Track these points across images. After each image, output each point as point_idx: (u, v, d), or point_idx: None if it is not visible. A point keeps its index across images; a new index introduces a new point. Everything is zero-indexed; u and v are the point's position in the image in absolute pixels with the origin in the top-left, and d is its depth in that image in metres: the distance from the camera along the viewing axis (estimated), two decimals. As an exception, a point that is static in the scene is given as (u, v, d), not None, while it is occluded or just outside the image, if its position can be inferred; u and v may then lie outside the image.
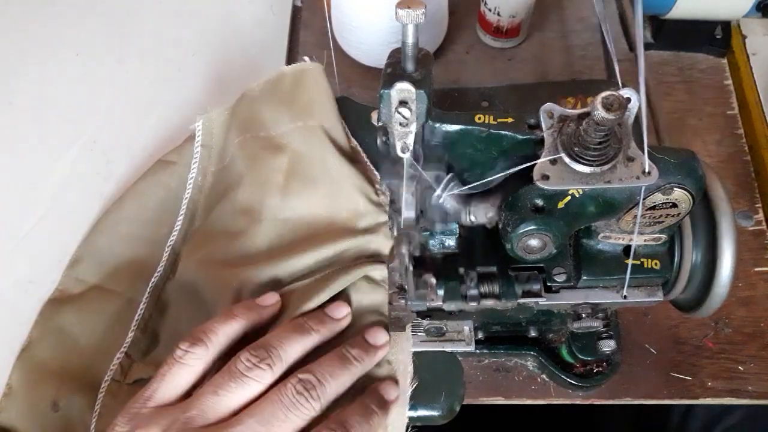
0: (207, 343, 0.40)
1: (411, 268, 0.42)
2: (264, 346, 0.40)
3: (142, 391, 0.40)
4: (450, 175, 0.41)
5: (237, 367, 0.39)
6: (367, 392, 0.42)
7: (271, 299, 0.44)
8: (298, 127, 0.50)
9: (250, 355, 0.39)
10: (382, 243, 0.46)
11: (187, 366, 0.40)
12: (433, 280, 0.43)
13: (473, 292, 0.43)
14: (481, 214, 0.42)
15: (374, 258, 0.46)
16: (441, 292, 0.43)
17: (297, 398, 0.38)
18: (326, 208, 0.48)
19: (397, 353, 0.47)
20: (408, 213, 0.40)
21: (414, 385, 0.45)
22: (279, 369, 0.40)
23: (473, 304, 0.43)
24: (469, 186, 0.41)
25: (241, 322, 0.42)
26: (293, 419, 0.38)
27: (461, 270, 0.43)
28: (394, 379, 0.44)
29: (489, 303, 0.43)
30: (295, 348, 0.41)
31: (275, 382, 0.39)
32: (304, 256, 0.46)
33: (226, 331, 0.41)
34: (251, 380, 0.39)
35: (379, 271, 0.46)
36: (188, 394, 0.40)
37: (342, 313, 0.44)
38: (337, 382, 0.40)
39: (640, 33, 0.33)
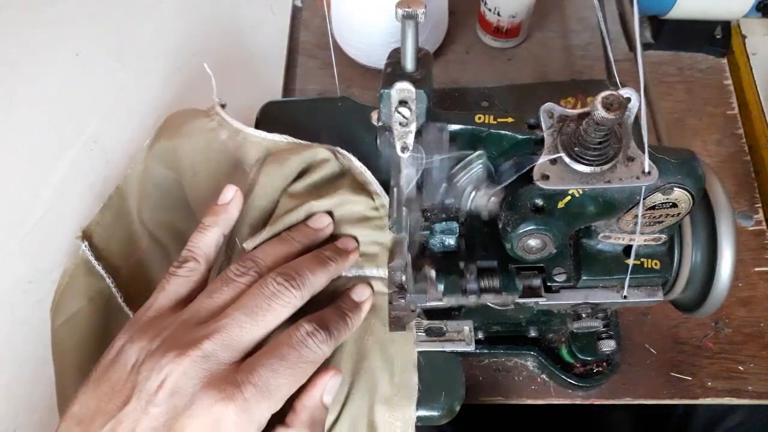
0: (196, 257, 0.45)
1: (410, 260, 0.42)
2: (250, 257, 0.44)
3: (143, 306, 0.43)
4: (470, 156, 0.41)
5: (227, 275, 0.43)
6: (340, 297, 0.46)
7: (228, 194, 0.47)
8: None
9: (239, 265, 0.43)
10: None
11: (182, 277, 0.44)
12: (433, 273, 0.43)
13: (473, 286, 0.43)
14: (482, 206, 0.42)
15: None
16: (441, 287, 0.43)
17: (278, 288, 0.41)
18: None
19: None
20: (408, 200, 0.39)
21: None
22: (265, 272, 0.43)
23: (473, 298, 0.43)
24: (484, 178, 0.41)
25: (214, 229, 0.46)
26: (276, 308, 0.41)
27: (461, 264, 0.43)
28: (365, 282, 0.48)
29: (489, 297, 0.43)
30: (278, 255, 0.45)
31: None
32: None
33: (206, 242, 0.45)
34: (240, 283, 0.42)
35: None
36: (186, 304, 0.43)
37: (323, 222, 0.48)
38: (314, 276, 0.43)
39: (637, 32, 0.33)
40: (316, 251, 0.46)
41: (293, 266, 0.43)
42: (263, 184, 0.50)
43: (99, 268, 0.53)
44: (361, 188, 0.50)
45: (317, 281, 0.44)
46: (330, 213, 0.48)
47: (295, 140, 0.53)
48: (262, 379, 0.38)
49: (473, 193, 0.42)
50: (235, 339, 0.39)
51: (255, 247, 0.46)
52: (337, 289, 0.48)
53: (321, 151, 0.52)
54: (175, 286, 0.43)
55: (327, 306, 0.45)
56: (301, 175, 0.51)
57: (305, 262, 0.44)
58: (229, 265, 0.45)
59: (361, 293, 0.47)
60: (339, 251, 0.47)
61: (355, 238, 0.49)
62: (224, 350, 0.38)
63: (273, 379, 0.38)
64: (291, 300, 0.41)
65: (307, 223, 0.47)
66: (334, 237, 0.49)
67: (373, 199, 0.49)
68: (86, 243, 0.54)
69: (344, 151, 0.52)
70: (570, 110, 0.38)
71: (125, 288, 0.53)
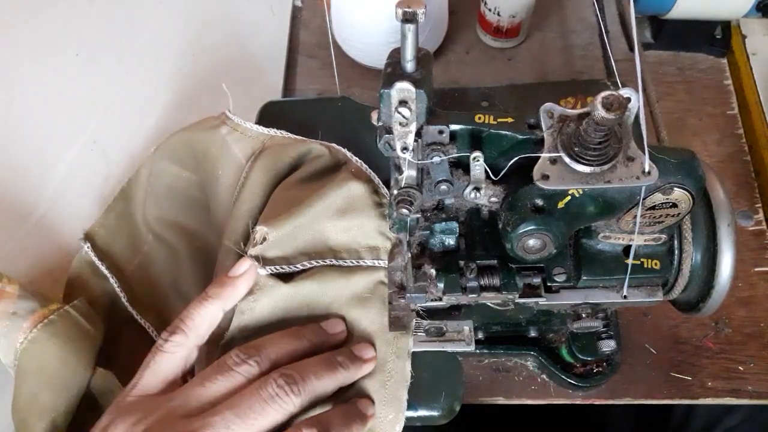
0: (185, 330, 0.41)
1: (409, 256, 0.42)
2: (254, 346, 0.41)
3: (129, 383, 0.41)
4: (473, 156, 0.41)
5: (226, 362, 0.39)
6: (347, 404, 0.43)
7: (242, 267, 0.44)
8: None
9: (240, 352, 0.40)
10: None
11: (167, 354, 0.41)
12: (433, 271, 0.43)
13: (473, 284, 0.42)
14: (484, 196, 0.41)
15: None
16: (441, 285, 0.43)
17: (277, 391, 0.38)
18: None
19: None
20: (407, 209, 0.39)
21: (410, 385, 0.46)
22: (266, 366, 0.40)
23: (473, 296, 0.43)
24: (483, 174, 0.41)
25: (215, 302, 0.42)
26: (270, 413, 0.37)
27: (461, 263, 0.43)
28: (370, 399, 0.44)
29: (489, 295, 0.43)
30: (284, 349, 0.41)
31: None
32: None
33: (203, 314, 0.42)
34: (237, 374, 0.39)
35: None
36: (175, 383, 0.40)
37: (337, 328, 0.45)
38: (320, 382, 0.40)
39: (633, 33, 0.33)
40: (328, 354, 0.42)
41: (299, 368, 0.40)
42: (254, 181, 0.50)
43: (103, 268, 0.53)
44: (361, 176, 0.50)
45: (321, 387, 0.40)
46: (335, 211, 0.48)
47: (291, 135, 0.53)
48: None
49: (473, 193, 0.42)
50: None
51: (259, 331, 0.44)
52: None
53: (315, 147, 0.52)
54: (160, 364, 0.40)
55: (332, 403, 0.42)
56: (294, 169, 0.52)
57: (313, 365, 0.41)
58: None
59: (366, 407, 0.43)
60: (353, 358, 0.43)
61: (358, 252, 0.48)
62: None
63: None
64: (288, 406, 0.38)
65: (321, 324, 0.44)
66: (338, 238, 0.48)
67: (375, 188, 0.49)
68: (88, 244, 0.54)
69: (339, 147, 0.53)
70: (570, 110, 0.38)
71: (129, 287, 0.53)
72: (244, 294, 0.44)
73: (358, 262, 0.48)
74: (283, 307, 0.46)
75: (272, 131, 0.54)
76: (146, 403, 0.39)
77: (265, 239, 0.46)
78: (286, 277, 0.47)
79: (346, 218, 0.48)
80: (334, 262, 0.48)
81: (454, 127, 0.40)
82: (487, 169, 0.39)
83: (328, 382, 0.41)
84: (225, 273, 0.44)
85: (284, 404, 0.38)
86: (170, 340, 0.41)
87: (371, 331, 0.47)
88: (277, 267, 0.46)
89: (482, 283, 0.43)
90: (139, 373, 0.41)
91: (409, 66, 0.37)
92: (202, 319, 0.42)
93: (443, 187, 0.41)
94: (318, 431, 0.38)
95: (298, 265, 0.47)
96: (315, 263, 0.48)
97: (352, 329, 0.47)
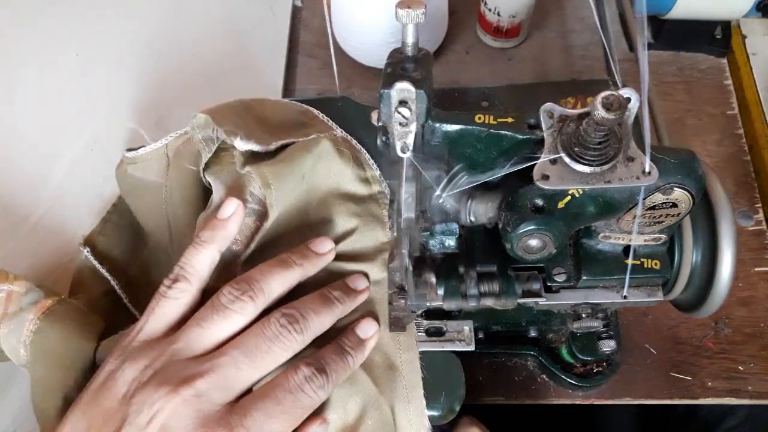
0: (188, 277, 0.42)
1: (411, 268, 0.42)
2: (246, 280, 0.41)
3: (133, 326, 0.41)
4: (454, 170, 0.41)
5: (220, 300, 0.40)
6: (343, 332, 0.43)
7: (230, 208, 0.44)
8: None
9: (232, 288, 0.40)
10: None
11: (172, 299, 0.41)
12: (433, 279, 0.43)
13: (473, 291, 0.43)
14: (481, 214, 0.42)
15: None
16: (441, 292, 0.43)
17: (280, 330, 0.39)
18: None
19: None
20: (408, 213, 0.40)
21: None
22: (261, 302, 0.41)
23: (473, 303, 0.43)
24: (471, 182, 0.41)
25: (211, 246, 0.43)
26: (276, 351, 0.39)
27: (461, 269, 0.43)
28: (372, 317, 0.45)
29: (489, 302, 0.43)
30: (277, 281, 0.42)
31: (259, 316, 0.40)
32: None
33: (202, 260, 0.42)
34: (233, 312, 0.40)
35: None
36: (178, 327, 0.41)
37: (326, 247, 0.45)
38: (319, 318, 0.41)
39: (644, 32, 0.33)
40: (324, 290, 0.43)
41: (298, 306, 0.41)
42: (176, 184, 0.50)
43: (103, 271, 0.53)
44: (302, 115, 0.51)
45: (321, 324, 0.41)
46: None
47: (180, 131, 0.52)
48: (255, 423, 0.36)
49: (469, 202, 0.42)
50: (230, 380, 0.37)
51: (249, 265, 0.44)
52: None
53: (208, 119, 0.49)
54: (164, 308, 0.41)
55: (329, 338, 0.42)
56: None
57: (310, 302, 0.42)
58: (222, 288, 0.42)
59: (366, 329, 0.44)
60: (348, 291, 0.44)
61: (306, 130, 0.48)
62: (218, 390, 0.37)
63: (266, 423, 0.37)
64: (292, 344, 0.39)
65: (309, 245, 0.44)
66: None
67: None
68: (88, 249, 0.54)
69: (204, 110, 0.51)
70: (570, 110, 0.38)
71: (131, 290, 0.54)
72: (236, 232, 0.44)
73: (315, 135, 0.48)
74: (295, 179, 0.46)
75: (164, 140, 0.53)
76: (151, 348, 0.40)
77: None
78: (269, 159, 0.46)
79: (275, 105, 0.49)
80: (298, 140, 0.47)
81: (454, 127, 0.40)
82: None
83: (327, 318, 0.42)
84: (214, 215, 0.44)
85: (288, 342, 0.39)
86: (174, 287, 0.41)
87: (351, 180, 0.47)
88: (257, 145, 0.45)
89: (482, 289, 0.43)
90: (143, 317, 0.41)
91: (409, 66, 0.37)
92: (202, 264, 0.42)
93: (437, 226, 0.42)
94: (315, 368, 0.39)
95: (271, 146, 0.46)
96: (283, 142, 0.47)
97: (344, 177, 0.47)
